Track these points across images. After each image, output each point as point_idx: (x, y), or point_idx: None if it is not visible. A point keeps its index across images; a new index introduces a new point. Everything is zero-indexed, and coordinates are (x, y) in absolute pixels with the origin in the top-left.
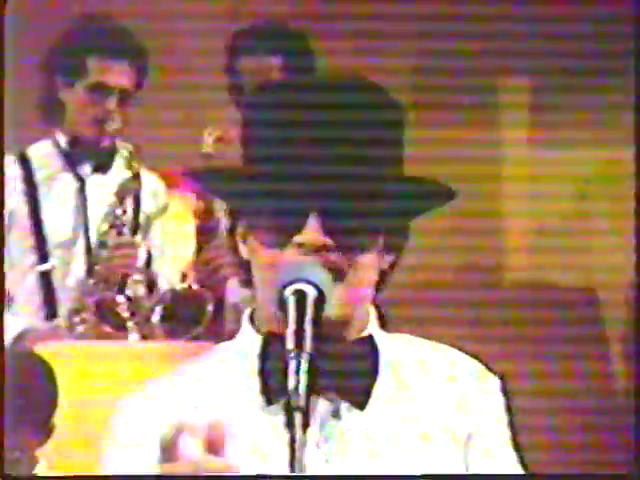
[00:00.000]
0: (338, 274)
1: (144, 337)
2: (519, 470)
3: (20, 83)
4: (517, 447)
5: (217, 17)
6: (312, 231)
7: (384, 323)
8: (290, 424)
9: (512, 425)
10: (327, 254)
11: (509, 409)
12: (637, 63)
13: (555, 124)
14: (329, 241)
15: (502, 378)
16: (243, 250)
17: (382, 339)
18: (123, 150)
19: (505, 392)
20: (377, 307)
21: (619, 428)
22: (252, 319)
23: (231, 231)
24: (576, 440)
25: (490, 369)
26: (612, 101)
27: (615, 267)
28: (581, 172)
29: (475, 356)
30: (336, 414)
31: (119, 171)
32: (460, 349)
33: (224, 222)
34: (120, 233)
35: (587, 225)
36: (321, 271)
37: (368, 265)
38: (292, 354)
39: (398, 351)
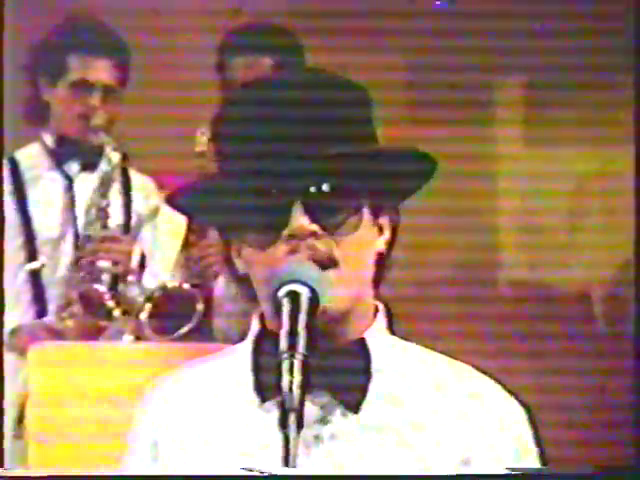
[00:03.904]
0: (331, 261)
1: (138, 338)
2: None
3: (18, 86)
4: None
5: (210, 14)
6: (298, 222)
7: (391, 323)
8: (283, 424)
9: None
10: (316, 242)
11: (538, 441)
12: (636, 60)
13: (553, 121)
14: (316, 227)
15: (529, 410)
16: (240, 265)
17: (381, 343)
18: (107, 146)
19: (532, 423)
20: (386, 305)
21: (617, 424)
22: (262, 319)
23: (226, 254)
24: (572, 436)
25: (518, 399)
26: (611, 98)
27: (615, 264)
28: (580, 169)
29: (505, 386)
30: (324, 420)
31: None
32: (486, 374)
33: (218, 250)
34: (105, 226)
35: (586, 222)
36: (314, 271)
37: (360, 244)
38: (285, 354)
39: (400, 358)
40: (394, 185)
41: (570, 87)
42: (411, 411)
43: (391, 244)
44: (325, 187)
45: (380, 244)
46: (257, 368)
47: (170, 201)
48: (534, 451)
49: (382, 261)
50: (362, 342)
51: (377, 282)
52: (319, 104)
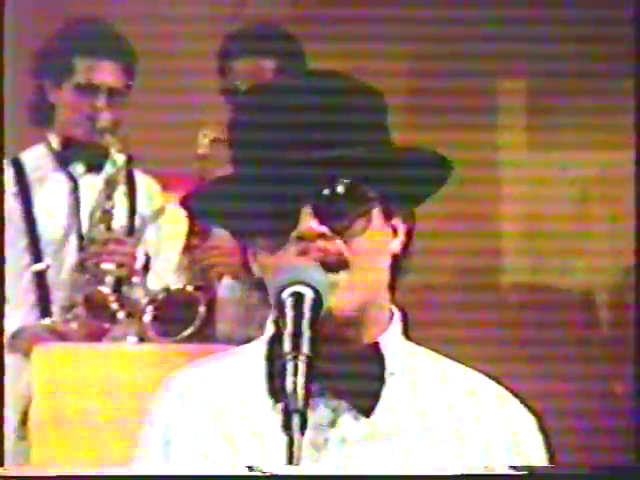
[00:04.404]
0: (341, 263)
1: (141, 340)
2: None
3: (20, 87)
4: None
5: (213, 20)
6: (307, 224)
7: (407, 328)
8: (287, 426)
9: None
10: (326, 243)
11: (549, 448)
12: (637, 65)
13: (554, 127)
14: (325, 229)
15: (540, 417)
16: (256, 270)
17: (395, 348)
18: (112, 148)
19: (542, 430)
20: (402, 309)
21: (619, 430)
22: (277, 322)
23: (243, 259)
24: (574, 442)
25: (527, 406)
26: (612, 104)
27: (616, 269)
28: (580, 175)
29: (514, 392)
30: (335, 424)
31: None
32: (499, 382)
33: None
34: (109, 228)
35: (587, 228)
36: (319, 273)
37: (371, 246)
38: (289, 356)
39: (414, 364)
40: (407, 189)
41: (572, 93)
42: (423, 416)
43: (407, 247)
44: (334, 190)
45: (395, 246)
46: (270, 371)
47: (183, 205)
48: (544, 458)
49: (398, 264)
50: (376, 347)
51: (393, 286)
52: (331, 108)
